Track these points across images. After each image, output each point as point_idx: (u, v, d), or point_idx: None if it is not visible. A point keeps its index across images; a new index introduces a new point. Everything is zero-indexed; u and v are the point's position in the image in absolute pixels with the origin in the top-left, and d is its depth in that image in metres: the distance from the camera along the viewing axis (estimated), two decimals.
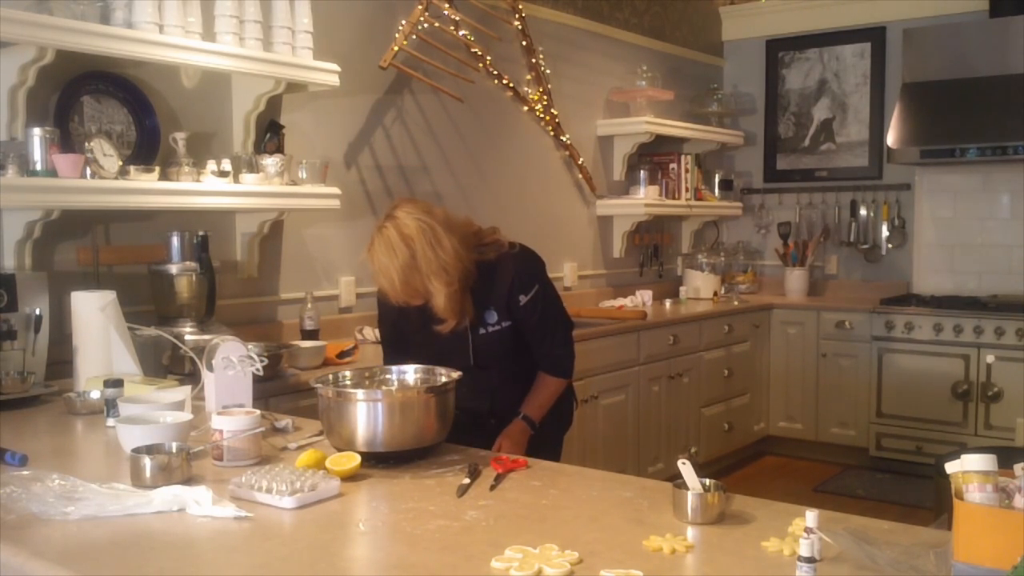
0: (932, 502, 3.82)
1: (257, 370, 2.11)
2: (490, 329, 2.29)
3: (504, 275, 2.27)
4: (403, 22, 3.82)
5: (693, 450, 4.77)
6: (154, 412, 1.89)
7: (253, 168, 3.12)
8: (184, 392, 2.06)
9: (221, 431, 1.74)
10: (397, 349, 2.39)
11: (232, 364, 2.07)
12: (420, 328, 2.27)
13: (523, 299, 2.29)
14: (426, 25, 3.88)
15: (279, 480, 1.53)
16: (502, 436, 2.30)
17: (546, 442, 2.38)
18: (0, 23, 2.42)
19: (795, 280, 5.73)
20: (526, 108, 4.60)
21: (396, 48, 3.77)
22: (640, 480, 1.69)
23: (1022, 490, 1.16)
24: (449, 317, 2.18)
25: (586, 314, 4.53)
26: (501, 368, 2.35)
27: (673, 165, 5.40)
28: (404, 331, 2.35)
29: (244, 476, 1.56)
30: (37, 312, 2.48)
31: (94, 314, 2.43)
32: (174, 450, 1.64)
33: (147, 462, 1.59)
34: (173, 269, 2.85)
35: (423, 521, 1.44)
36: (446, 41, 4.01)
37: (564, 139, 4.83)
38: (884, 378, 5.13)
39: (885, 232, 5.70)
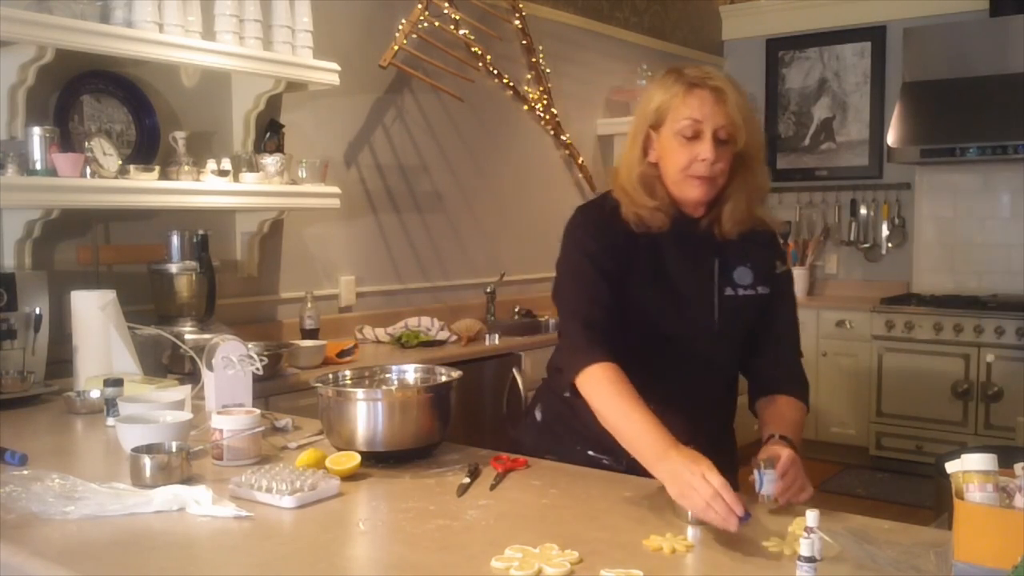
0: (932, 502, 3.82)
1: (257, 369, 2.11)
2: (739, 292, 1.78)
3: (766, 235, 1.83)
4: (403, 21, 3.82)
5: None
6: (154, 411, 1.89)
7: (253, 167, 3.12)
8: (184, 391, 2.05)
9: (221, 430, 1.74)
10: (608, 318, 1.69)
11: (232, 363, 2.07)
12: (654, 280, 1.74)
13: (779, 266, 1.85)
14: (426, 24, 3.88)
15: (279, 479, 1.52)
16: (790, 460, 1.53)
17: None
18: (0, 22, 2.42)
19: (795, 279, 5.72)
20: (526, 107, 4.60)
21: (396, 47, 3.77)
22: (640, 480, 1.69)
23: (1022, 490, 1.16)
24: (703, 197, 1.70)
25: None
26: (733, 353, 1.83)
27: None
28: (621, 289, 1.72)
29: (244, 475, 1.56)
30: (37, 311, 2.48)
31: (94, 313, 2.43)
32: (174, 449, 1.64)
33: (147, 461, 1.59)
34: (173, 268, 2.85)
35: (423, 521, 1.43)
36: (446, 40, 4.01)
37: (564, 138, 4.83)
38: (884, 377, 5.13)
39: (885, 231, 5.69)
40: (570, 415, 1.86)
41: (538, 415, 2.00)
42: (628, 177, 1.73)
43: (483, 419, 3.52)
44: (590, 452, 1.85)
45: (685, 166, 1.67)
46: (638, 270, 1.73)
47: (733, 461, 1.96)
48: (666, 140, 1.69)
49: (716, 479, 1.37)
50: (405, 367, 2.03)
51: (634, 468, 1.67)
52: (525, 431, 2.02)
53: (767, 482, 1.45)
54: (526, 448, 1.92)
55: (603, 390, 1.61)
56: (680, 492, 1.41)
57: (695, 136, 1.66)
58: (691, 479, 1.39)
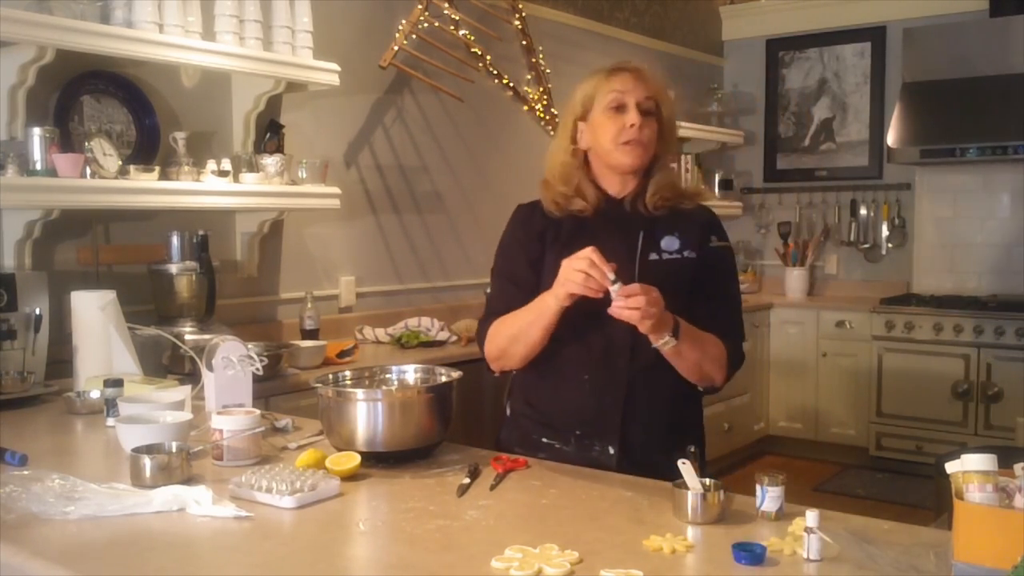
0: (932, 502, 3.82)
1: (257, 370, 2.11)
2: (664, 256, 1.85)
3: (702, 214, 1.95)
4: (403, 21, 3.82)
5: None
6: (154, 412, 1.89)
7: (253, 168, 3.12)
8: (184, 392, 2.06)
9: (221, 431, 1.74)
10: (517, 295, 1.88)
11: (232, 364, 2.07)
12: (574, 248, 1.73)
13: (715, 240, 1.92)
14: (426, 24, 3.88)
15: (279, 480, 1.53)
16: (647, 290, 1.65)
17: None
18: (0, 22, 2.42)
19: (795, 280, 5.73)
20: (526, 108, 4.60)
21: (396, 48, 3.77)
22: (640, 480, 1.69)
23: (1022, 490, 1.16)
24: (637, 162, 1.86)
25: None
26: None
27: (673, 164, 5.39)
28: (531, 272, 1.91)
29: (244, 476, 1.56)
30: (37, 312, 2.48)
31: (94, 313, 2.43)
32: (174, 450, 1.64)
33: (147, 462, 1.59)
34: (173, 269, 2.85)
35: (423, 521, 1.43)
36: (446, 40, 4.01)
37: None
38: (884, 378, 5.13)
39: (885, 232, 5.70)
40: (525, 405, 1.99)
41: (507, 410, 2.08)
42: (551, 166, 1.99)
43: (483, 419, 3.52)
44: (544, 439, 1.93)
45: (616, 135, 1.85)
46: (558, 243, 1.88)
47: (700, 441, 1.97)
48: (597, 121, 1.88)
49: (584, 251, 1.64)
50: (405, 367, 2.03)
51: (581, 448, 1.86)
52: (503, 427, 2.08)
53: (768, 499, 1.44)
54: (502, 444, 2.00)
55: (497, 332, 1.89)
56: (561, 280, 1.68)
57: (621, 108, 1.86)
58: (567, 263, 1.66)
